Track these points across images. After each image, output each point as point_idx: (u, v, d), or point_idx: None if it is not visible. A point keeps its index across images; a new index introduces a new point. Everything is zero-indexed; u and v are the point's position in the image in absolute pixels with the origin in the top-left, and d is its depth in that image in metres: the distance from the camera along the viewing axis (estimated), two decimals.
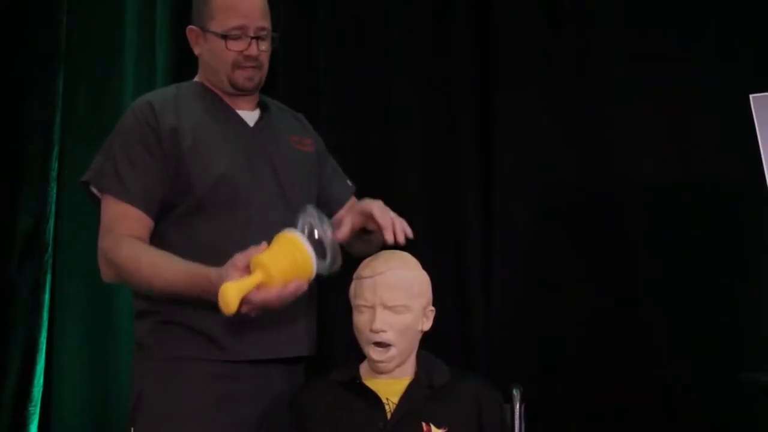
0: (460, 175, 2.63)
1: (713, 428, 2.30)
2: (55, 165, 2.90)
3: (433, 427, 1.58)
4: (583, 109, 2.57)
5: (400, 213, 1.72)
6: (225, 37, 1.72)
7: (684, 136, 2.47)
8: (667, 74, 2.50)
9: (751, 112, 2.12)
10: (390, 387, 1.64)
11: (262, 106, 1.86)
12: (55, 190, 2.89)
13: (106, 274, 1.70)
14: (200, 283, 1.55)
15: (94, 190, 1.75)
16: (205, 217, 1.67)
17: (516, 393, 1.74)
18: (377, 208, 1.68)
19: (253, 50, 1.75)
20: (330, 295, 2.21)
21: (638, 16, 2.55)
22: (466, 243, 2.59)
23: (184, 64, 2.85)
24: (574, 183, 2.56)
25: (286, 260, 1.48)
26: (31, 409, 2.77)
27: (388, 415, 1.60)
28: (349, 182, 2.02)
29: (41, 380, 2.81)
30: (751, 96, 2.14)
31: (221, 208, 1.68)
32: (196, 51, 1.80)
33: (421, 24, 2.72)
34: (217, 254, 1.56)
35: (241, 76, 1.76)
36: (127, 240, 1.66)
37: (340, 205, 1.95)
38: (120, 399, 2.77)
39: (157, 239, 1.69)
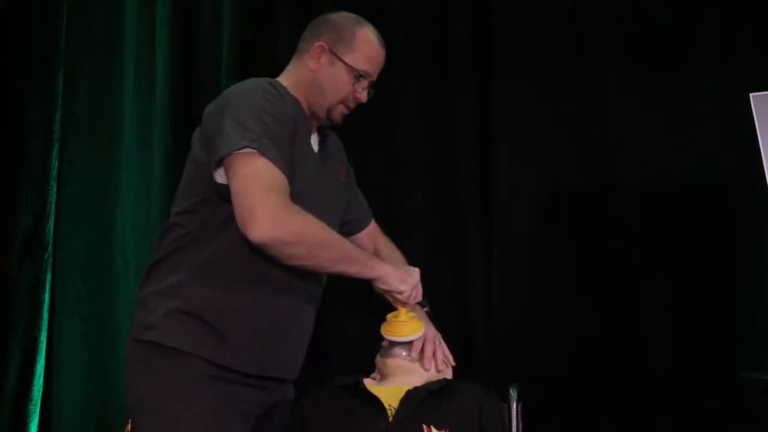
0: (460, 175, 2.63)
1: (713, 428, 2.31)
2: (54, 164, 2.89)
3: (434, 429, 1.59)
4: (583, 108, 2.57)
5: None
6: (359, 76, 1.79)
7: (684, 136, 2.47)
8: (667, 74, 2.51)
9: (751, 111, 2.13)
10: (392, 394, 1.66)
11: (321, 131, 1.88)
12: (54, 189, 2.89)
13: (269, 235, 1.57)
14: (364, 257, 1.72)
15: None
16: None
17: (513, 392, 1.76)
18: (429, 337, 1.82)
19: (364, 96, 1.82)
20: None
21: (638, 15, 2.55)
22: (466, 242, 2.60)
23: (184, 64, 2.87)
24: (574, 183, 2.56)
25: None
26: (30, 408, 2.77)
27: (390, 419, 1.61)
28: (366, 207, 2.09)
29: (41, 379, 2.81)
30: (751, 95, 2.14)
31: None
32: (312, 66, 1.80)
33: (422, 23, 2.72)
34: (267, 261, 1.62)
35: (339, 112, 1.82)
36: (296, 206, 1.62)
37: (359, 230, 2.04)
38: (120, 398, 2.77)
39: (211, 231, 1.67)
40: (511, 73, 2.61)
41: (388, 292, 1.73)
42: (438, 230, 2.61)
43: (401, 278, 1.72)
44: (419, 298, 1.77)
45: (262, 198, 1.57)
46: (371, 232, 2.06)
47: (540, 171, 2.58)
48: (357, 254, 1.71)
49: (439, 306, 1.81)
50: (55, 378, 2.82)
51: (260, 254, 1.62)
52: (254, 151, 1.58)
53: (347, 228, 1.99)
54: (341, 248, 1.67)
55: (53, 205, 2.89)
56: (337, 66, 1.79)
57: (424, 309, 1.89)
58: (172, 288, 1.67)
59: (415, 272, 1.76)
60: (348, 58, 1.78)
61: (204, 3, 2.93)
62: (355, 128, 2.69)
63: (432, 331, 1.84)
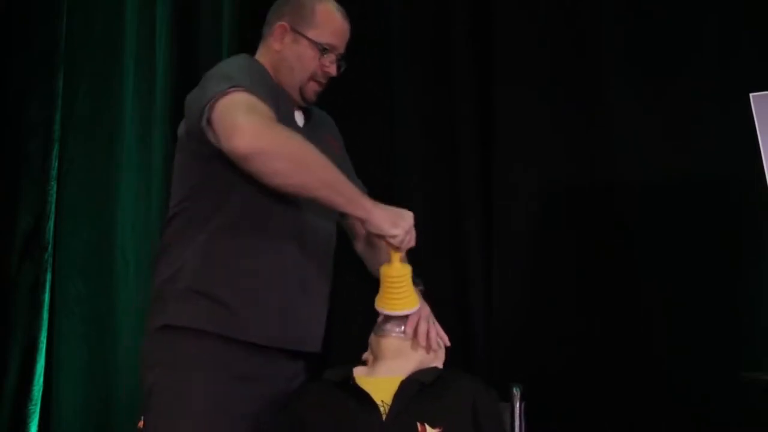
0: (460, 175, 2.63)
1: (713, 428, 2.30)
2: (54, 164, 2.90)
3: (428, 427, 1.58)
4: (583, 108, 2.57)
5: None
6: (324, 50, 1.79)
7: (684, 136, 2.47)
8: (667, 74, 2.51)
9: (751, 111, 2.12)
10: (383, 386, 1.64)
11: (305, 111, 1.89)
12: (54, 189, 2.90)
13: (253, 144, 1.54)
14: (354, 191, 1.64)
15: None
16: (266, 191, 1.66)
17: (516, 392, 1.75)
18: (424, 315, 1.76)
19: (333, 70, 1.83)
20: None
21: (638, 15, 2.55)
22: (466, 242, 2.60)
23: (184, 64, 2.87)
24: (574, 183, 2.56)
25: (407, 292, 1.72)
26: (30, 408, 2.78)
27: (383, 417, 1.60)
28: (361, 184, 2.04)
29: (41, 379, 2.81)
30: (751, 95, 2.14)
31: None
32: (277, 47, 1.82)
33: (422, 23, 2.72)
34: (269, 236, 1.64)
35: (311, 90, 1.83)
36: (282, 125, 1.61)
37: None
38: (120, 399, 2.77)
39: (209, 210, 1.68)
40: (511, 73, 2.61)
41: (380, 236, 1.67)
42: (438, 230, 2.61)
43: (393, 221, 1.64)
44: (413, 243, 1.70)
45: (245, 115, 1.56)
46: None
47: (540, 171, 2.57)
48: (346, 185, 1.63)
49: (439, 306, 1.80)
50: (55, 378, 2.83)
51: (260, 230, 1.64)
52: (237, 89, 1.58)
53: None
54: (330, 172, 1.61)
55: (53, 205, 2.89)
56: (301, 43, 1.80)
57: (419, 288, 1.84)
58: (179, 272, 1.68)
59: (409, 216, 1.68)
60: (311, 34, 1.79)
61: (204, 3, 2.93)
62: (355, 128, 2.71)
63: (427, 311, 1.78)
